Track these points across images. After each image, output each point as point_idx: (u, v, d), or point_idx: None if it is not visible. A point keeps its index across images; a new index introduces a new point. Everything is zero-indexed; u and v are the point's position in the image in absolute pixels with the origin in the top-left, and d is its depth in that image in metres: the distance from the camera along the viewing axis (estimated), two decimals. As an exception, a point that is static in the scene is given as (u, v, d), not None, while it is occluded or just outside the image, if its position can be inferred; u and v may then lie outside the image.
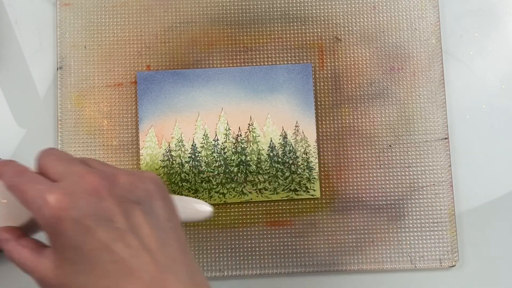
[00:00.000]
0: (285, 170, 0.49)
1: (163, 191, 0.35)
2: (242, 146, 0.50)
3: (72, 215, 0.31)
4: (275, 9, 0.52)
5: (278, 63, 0.51)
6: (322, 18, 0.52)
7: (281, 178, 0.49)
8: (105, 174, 0.33)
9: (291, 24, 0.51)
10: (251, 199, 0.49)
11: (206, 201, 0.40)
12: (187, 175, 0.49)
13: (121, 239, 0.31)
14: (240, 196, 0.49)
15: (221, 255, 0.49)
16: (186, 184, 0.49)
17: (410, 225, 0.49)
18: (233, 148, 0.50)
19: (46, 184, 0.33)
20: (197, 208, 0.39)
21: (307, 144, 0.50)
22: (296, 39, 0.51)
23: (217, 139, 0.50)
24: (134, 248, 0.31)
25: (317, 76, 0.51)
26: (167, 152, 0.49)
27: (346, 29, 0.51)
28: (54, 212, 0.31)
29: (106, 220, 0.32)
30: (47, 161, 0.34)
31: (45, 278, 0.33)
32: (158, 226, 0.33)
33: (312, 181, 0.49)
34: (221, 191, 0.49)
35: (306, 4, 0.52)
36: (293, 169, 0.49)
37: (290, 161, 0.49)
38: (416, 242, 0.49)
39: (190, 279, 0.32)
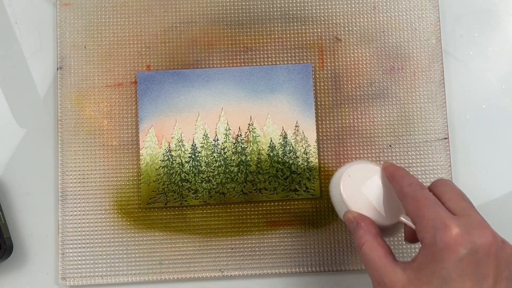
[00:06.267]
0: (285, 170, 0.49)
1: None
2: (242, 146, 0.50)
3: (460, 252, 0.33)
4: (275, 9, 0.52)
5: (278, 63, 0.51)
6: (322, 18, 0.51)
7: (281, 178, 0.49)
8: (498, 236, 0.35)
9: (291, 24, 0.51)
10: (251, 199, 0.49)
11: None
12: (187, 175, 0.49)
13: None
14: (240, 196, 0.49)
15: (221, 255, 0.49)
16: (186, 184, 0.49)
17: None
18: (233, 148, 0.50)
19: (447, 212, 0.35)
20: None
21: (307, 144, 0.50)
22: (296, 39, 0.51)
23: (217, 139, 0.50)
24: None
25: (317, 76, 0.51)
26: (167, 152, 0.49)
27: (346, 29, 0.51)
28: (449, 241, 0.33)
29: (479, 275, 0.33)
30: (450, 191, 0.37)
31: (392, 285, 0.35)
32: None
33: (312, 181, 0.49)
34: (221, 191, 0.49)
35: (306, 4, 0.52)
36: (293, 169, 0.49)
37: (290, 161, 0.49)
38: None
39: None
